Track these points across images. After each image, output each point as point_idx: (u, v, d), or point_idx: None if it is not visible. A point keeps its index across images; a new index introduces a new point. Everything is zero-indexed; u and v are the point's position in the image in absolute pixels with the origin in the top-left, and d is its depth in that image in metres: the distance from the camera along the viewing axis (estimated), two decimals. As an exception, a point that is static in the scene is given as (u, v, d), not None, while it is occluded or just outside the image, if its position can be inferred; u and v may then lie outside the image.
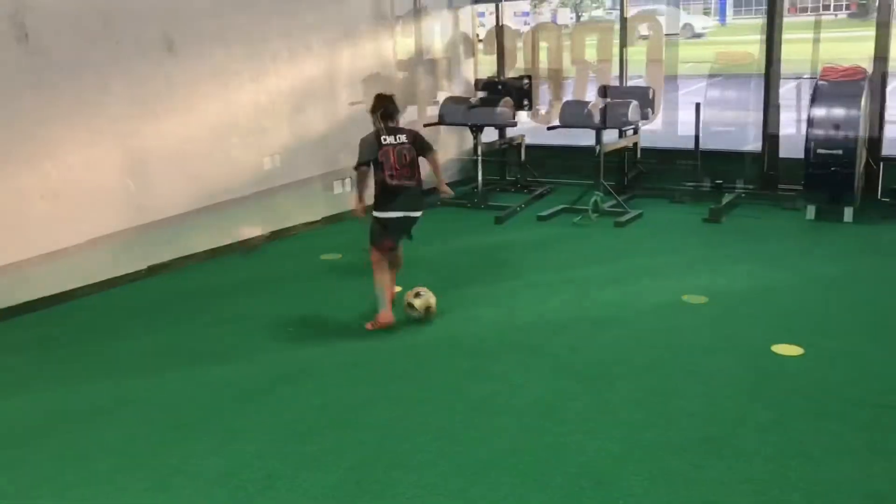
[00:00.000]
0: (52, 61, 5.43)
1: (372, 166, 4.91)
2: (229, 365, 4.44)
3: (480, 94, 8.64)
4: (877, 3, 7.26)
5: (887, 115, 7.34)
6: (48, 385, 4.29)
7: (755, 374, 4.05)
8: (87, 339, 4.96)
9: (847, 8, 47.55)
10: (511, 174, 9.09)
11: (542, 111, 8.91)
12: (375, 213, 4.99)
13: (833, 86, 6.92)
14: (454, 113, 7.96)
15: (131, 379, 4.32)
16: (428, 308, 4.94)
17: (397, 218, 5.01)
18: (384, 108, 5.02)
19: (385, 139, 4.95)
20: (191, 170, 6.39)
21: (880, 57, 7.07)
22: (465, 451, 3.41)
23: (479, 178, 8.08)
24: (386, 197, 4.96)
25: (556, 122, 7.95)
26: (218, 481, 3.26)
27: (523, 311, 5.09)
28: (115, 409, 3.97)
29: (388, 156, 4.93)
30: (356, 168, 4.95)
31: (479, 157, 8.01)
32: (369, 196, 5.01)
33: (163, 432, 3.70)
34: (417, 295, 4.95)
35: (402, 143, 5.00)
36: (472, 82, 9.16)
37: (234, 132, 6.69)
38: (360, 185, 5.02)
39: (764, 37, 7.69)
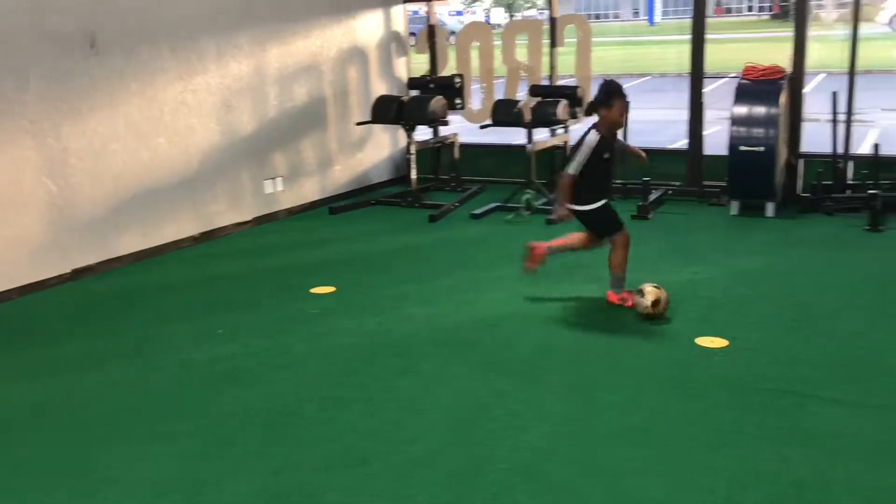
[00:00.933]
0: (-35, 58, 5.24)
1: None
2: (155, 368, 4.34)
3: (413, 93, 8.65)
4: (793, 5, 7.50)
5: (805, 114, 7.59)
6: (-37, 394, 4.12)
7: (680, 366, 4.15)
8: (5, 344, 4.79)
9: (770, 10, 49.08)
10: (444, 173, 9.12)
11: (475, 110, 8.96)
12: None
13: (754, 85, 7.12)
14: (387, 111, 7.94)
15: (54, 385, 4.19)
16: (657, 301, 4.70)
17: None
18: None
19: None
20: (115, 170, 6.23)
21: (798, 57, 7.31)
22: (395, 451, 3.40)
23: (413, 176, 8.07)
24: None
25: (488, 121, 8.01)
26: (142, 488, 3.19)
27: (456, 309, 5.10)
28: (33, 418, 3.84)
29: None
30: None
31: (413, 156, 8.01)
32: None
33: (86, 440, 3.59)
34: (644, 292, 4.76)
35: None
36: (405, 81, 9.16)
37: (160, 131, 6.54)
38: None
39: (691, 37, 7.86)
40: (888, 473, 3.11)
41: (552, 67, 8.43)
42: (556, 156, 8.48)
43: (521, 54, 8.74)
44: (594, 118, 4.94)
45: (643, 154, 5.34)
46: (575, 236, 5.19)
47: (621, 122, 4.89)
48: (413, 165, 8.04)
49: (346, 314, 5.10)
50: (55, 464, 3.40)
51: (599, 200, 4.98)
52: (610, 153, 4.93)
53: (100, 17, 6.01)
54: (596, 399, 3.81)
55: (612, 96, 4.79)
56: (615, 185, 8.11)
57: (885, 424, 3.48)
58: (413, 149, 7.99)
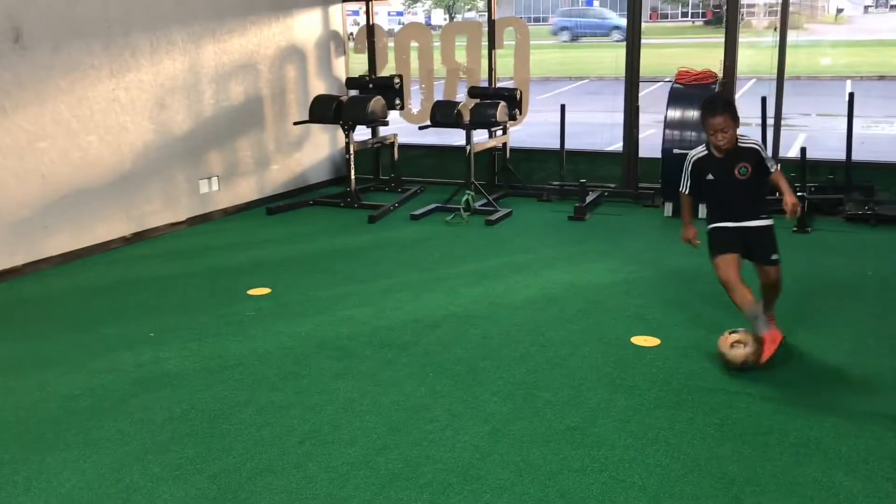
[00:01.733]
0: None
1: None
2: (84, 373, 4.23)
3: (352, 93, 8.60)
4: (725, 12, 7.70)
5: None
6: None
7: (617, 365, 4.21)
8: (-76, 351, 4.61)
9: (703, 16, 50.27)
10: (384, 173, 9.10)
11: (414, 111, 8.96)
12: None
13: (687, 89, 7.29)
14: (325, 110, 7.88)
15: (-25, 392, 4.04)
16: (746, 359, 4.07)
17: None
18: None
19: None
20: (43, 169, 6.04)
21: (729, 62, 7.50)
22: (332, 453, 3.37)
23: (352, 176, 8.03)
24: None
25: (427, 122, 8.02)
26: (71, 497, 3.10)
27: (394, 310, 5.09)
28: (-45, 425, 3.70)
29: None
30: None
31: (352, 156, 7.97)
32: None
33: (10, 448, 3.47)
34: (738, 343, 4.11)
35: None
36: (343, 81, 9.11)
37: (90, 129, 6.37)
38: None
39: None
40: (812, 468, 3.22)
41: (491, 69, 8.49)
42: (496, 157, 8.55)
43: (461, 56, 8.77)
44: None
45: (790, 202, 4.16)
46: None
47: (716, 142, 4.20)
48: (352, 166, 7.99)
49: (283, 316, 5.04)
50: (-23, 473, 3.28)
51: (714, 222, 4.40)
52: (715, 175, 4.27)
53: (26, 10, 5.82)
54: (536, 399, 3.84)
55: (702, 116, 4.29)
56: (553, 186, 8.22)
57: (811, 421, 3.59)
58: (352, 149, 7.95)
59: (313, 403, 3.84)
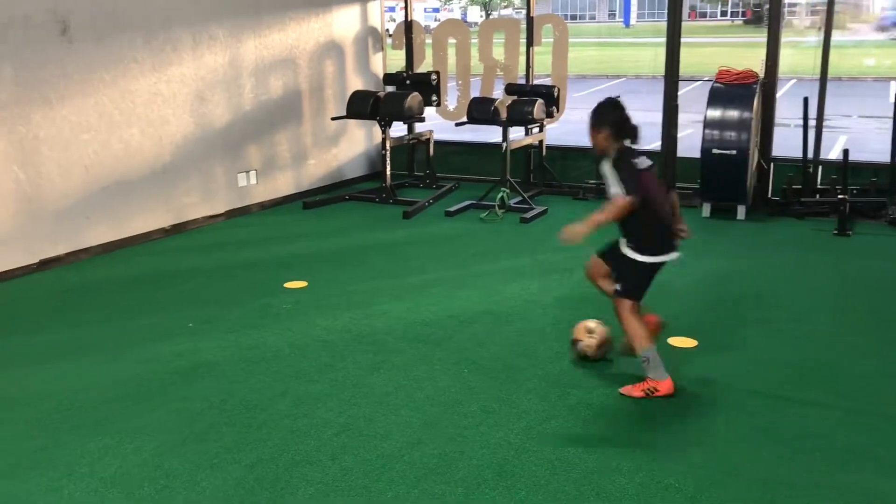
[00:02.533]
0: (-67, 42, 5.14)
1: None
2: (124, 362, 4.29)
3: (389, 89, 8.63)
4: (767, 11, 7.59)
5: (777, 118, 7.69)
6: (-73, 385, 4.05)
7: (652, 365, 4.17)
8: (-30, 336, 4.71)
9: (743, 15, 49.63)
10: (419, 169, 9.12)
11: (451, 107, 8.96)
12: (648, 259, 3.85)
13: (728, 88, 7.20)
14: (362, 106, 7.91)
15: (20, 378, 4.12)
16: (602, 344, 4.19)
17: (669, 261, 3.92)
18: (629, 125, 3.82)
19: (638, 163, 3.79)
20: (86, 160, 6.14)
21: (771, 62, 7.40)
22: (367, 446, 3.39)
23: (387, 172, 8.05)
24: (662, 237, 3.88)
25: (464, 119, 8.01)
26: (113, 482, 3.15)
27: (429, 306, 5.10)
28: (4, 407, 3.77)
29: (652, 182, 3.84)
30: (627, 196, 3.70)
31: (388, 152, 7.99)
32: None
33: (54, 433, 3.54)
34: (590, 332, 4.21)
35: (653, 166, 3.90)
36: (381, 77, 9.14)
37: (132, 122, 6.46)
38: (611, 218, 3.78)
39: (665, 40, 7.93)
40: (857, 475, 3.17)
41: (528, 66, 8.46)
42: (532, 154, 8.52)
43: (498, 53, 8.76)
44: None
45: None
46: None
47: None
48: (388, 161, 8.02)
49: (319, 309, 5.07)
50: (20, 457, 3.34)
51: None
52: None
53: (72, 4, 5.92)
54: (571, 397, 3.83)
55: (601, 119, 3.88)
56: (590, 184, 8.18)
57: (853, 427, 3.54)
58: (388, 145, 7.98)
59: (349, 396, 3.86)
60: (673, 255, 3.91)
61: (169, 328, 4.77)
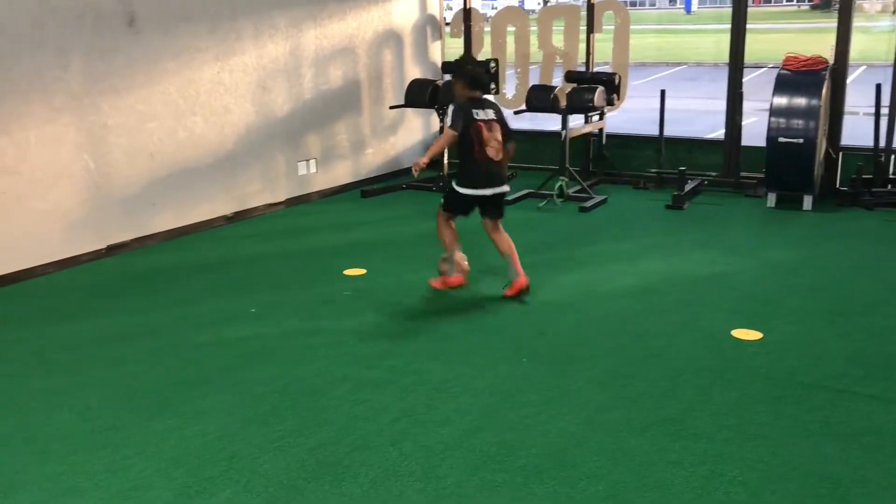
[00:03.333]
0: (9, 35, 5.29)
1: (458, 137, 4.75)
2: (188, 346, 4.39)
3: (447, 77, 8.62)
4: (839, -5, 7.36)
5: (846, 106, 7.46)
6: (2, 365, 4.19)
7: (716, 357, 4.11)
8: (44, 318, 4.87)
9: (809, 0, 48.23)
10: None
11: (509, 95, 8.92)
12: (458, 188, 4.87)
13: (795, 75, 7.01)
14: (420, 95, 7.92)
15: (88, 360, 4.24)
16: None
17: (481, 196, 4.86)
18: (475, 75, 4.78)
19: (476, 113, 4.71)
20: (151, 148, 6.28)
21: (841, 47, 7.18)
22: (426, 432, 3.41)
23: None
24: (468, 172, 4.83)
25: (523, 107, 7.96)
26: (179, 462, 3.23)
27: (486, 295, 5.10)
28: (70, 390, 3.89)
29: (479, 133, 4.70)
30: (450, 128, 4.72)
31: (445, 141, 7.97)
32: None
33: (121, 414, 3.64)
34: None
35: (492, 120, 4.76)
36: (439, 65, 9.13)
37: (196, 110, 6.58)
38: (440, 146, 4.92)
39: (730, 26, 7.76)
40: (926, 471, 3.07)
41: (589, 54, 8.36)
42: (591, 143, 8.43)
43: (557, 40, 8.67)
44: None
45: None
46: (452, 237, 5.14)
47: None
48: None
49: (378, 295, 5.11)
50: (91, 436, 3.45)
51: None
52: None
53: (140, -5, 6.06)
54: (632, 388, 3.79)
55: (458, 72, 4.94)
56: (650, 173, 8.06)
57: (924, 422, 3.43)
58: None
59: (408, 383, 3.88)
60: (479, 192, 4.82)
61: (231, 313, 4.86)
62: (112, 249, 6.09)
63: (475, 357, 4.16)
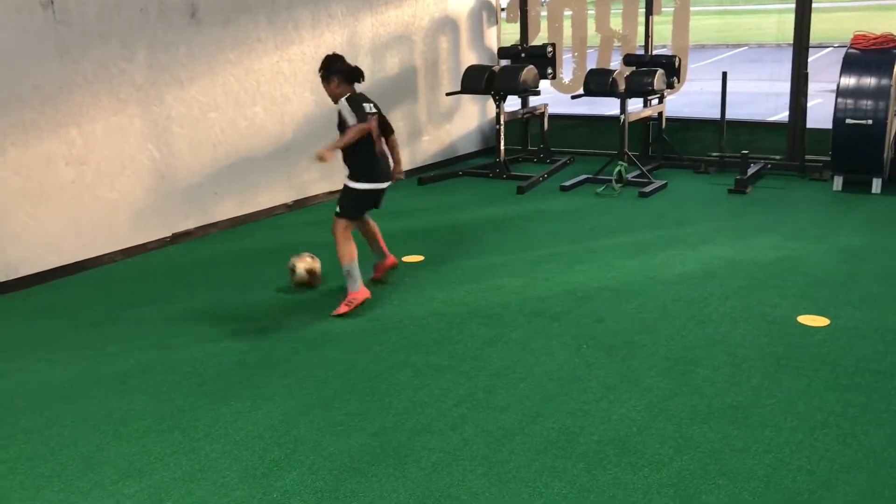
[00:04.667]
0: (77, 28, 5.44)
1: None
2: (253, 332, 4.48)
3: (503, 63, 8.58)
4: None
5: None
6: (75, 349, 4.34)
7: (781, 344, 4.03)
8: (113, 304, 5.01)
9: (877, -24, 46.51)
10: (533, 144, 9.05)
11: (566, 80, 8.84)
12: (357, 185, 4.70)
13: (864, 54, 6.79)
14: (477, 81, 7.90)
15: (157, 345, 4.36)
16: (312, 272, 5.04)
17: (380, 189, 4.79)
18: (354, 69, 4.62)
19: (368, 106, 4.63)
20: (213, 137, 6.40)
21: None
22: (488, 418, 3.42)
23: (501, 147, 8.03)
24: (370, 167, 4.69)
25: (580, 91, 7.89)
26: (245, 444, 3.30)
27: (546, 281, 5.08)
28: (141, 374, 4.01)
29: (374, 127, 4.63)
30: (363, 122, 4.50)
31: (502, 126, 7.96)
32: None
33: (189, 397, 3.74)
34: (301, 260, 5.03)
35: (377, 114, 4.72)
36: (495, 51, 9.09)
37: (256, 100, 6.68)
38: (349, 139, 4.50)
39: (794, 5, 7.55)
40: None
41: (648, 36, 8.23)
42: (650, 127, 8.32)
43: (616, 23, 8.55)
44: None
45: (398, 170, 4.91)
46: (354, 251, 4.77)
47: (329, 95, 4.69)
48: (502, 136, 7.99)
49: (436, 283, 5.13)
50: (163, 418, 3.55)
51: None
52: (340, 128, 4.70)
53: (201, -13, 6.15)
54: (694, 375, 3.74)
55: (329, 70, 4.62)
56: (712, 157, 7.93)
57: None
58: (502, 119, 7.94)
59: (467, 368, 3.90)
60: (384, 185, 4.77)
61: (294, 300, 4.93)
62: (177, 237, 6.24)
63: (533, 343, 4.16)
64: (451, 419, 3.43)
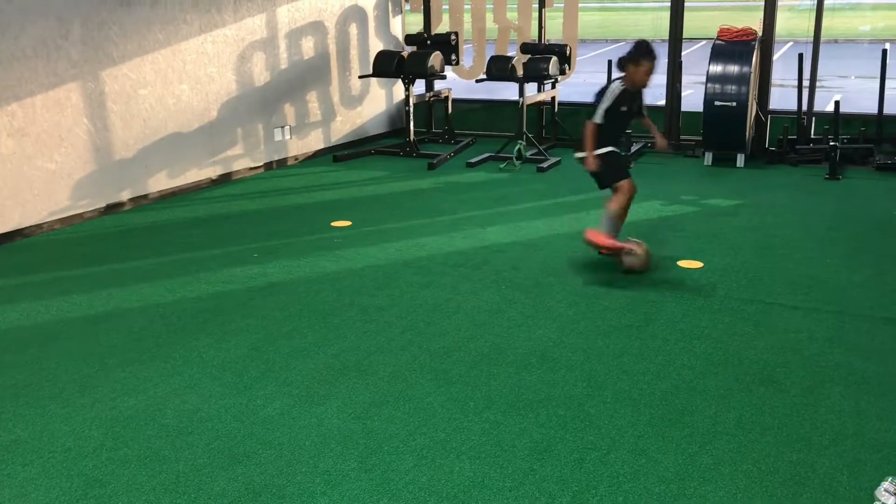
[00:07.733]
0: (17, 5, 5.70)
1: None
2: (204, 283, 4.93)
3: (410, 49, 9.19)
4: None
5: (773, 77, 8.28)
6: (37, 301, 4.68)
7: (666, 281, 4.84)
8: (63, 265, 5.34)
9: (740, -20, 49.51)
10: (437, 126, 9.71)
11: (468, 66, 9.53)
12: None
13: (728, 45, 7.79)
14: (387, 65, 8.48)
15: (116, 297, 4.75)
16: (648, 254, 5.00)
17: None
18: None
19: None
20: (144, 113, 6.74)
21: (768, 20, 7.98)
22: (430, 341, 4.05)
23: (411, 127, 8.65)
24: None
25: (483, 76, 8.60)
26: (223, 367, 3.81)
27: (464, 239, 5.75)
28: (109, 319, 4.42)
29: None
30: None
31: (411, 108, 8.58)
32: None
33: (162, 335, 4.19)
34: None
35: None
36: (400, 38, 9.69)
37: (183, 79, 7.05)
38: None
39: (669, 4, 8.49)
40: (835, 358, 3.83)
41: (541, 27, 9.03)
42: (544, 111, 9.12)
43: (512, 16, 9.31)
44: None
45: (664, 140, 5.41)
46: (610, 205, 5.12)
47: (645, 81, 4.99)
48: (411, 117, 8.61)
49: (367, 242, 5.72)
50: (140, 352, 3.99)
51: (606, 146, 5.03)
52: (628, 108, 5.06)
53: (132, -30, 6.48)
54: (596, 305, 4.49)
55: (641, 55, 4.90)
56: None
57: (835, 324, 4.20)
58: (412, 101, 8.56)
59: (407, 306, 4.52)
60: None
61: (237, 257, 5.41)
62: (111, 208, 6.55)
63: (460, 286, 4.81)
64: (399, 343, 4.04)
